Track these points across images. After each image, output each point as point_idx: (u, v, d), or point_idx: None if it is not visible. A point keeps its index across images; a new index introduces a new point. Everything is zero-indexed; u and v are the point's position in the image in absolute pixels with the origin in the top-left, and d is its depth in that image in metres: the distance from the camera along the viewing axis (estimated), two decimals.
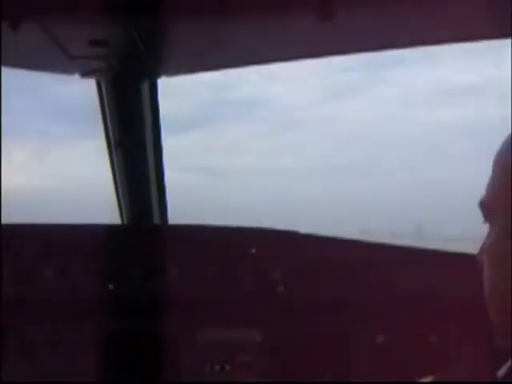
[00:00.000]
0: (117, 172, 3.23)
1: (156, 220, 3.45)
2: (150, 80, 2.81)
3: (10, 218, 3.20)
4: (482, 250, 1.24)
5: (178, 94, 2.96)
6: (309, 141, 4.03)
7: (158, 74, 2.78)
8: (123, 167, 3.16)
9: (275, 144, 3.99)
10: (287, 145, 4.00)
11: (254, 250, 3.06)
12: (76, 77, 2.78)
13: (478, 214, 1.22)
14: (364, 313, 3.15)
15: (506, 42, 2.54)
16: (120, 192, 3.35)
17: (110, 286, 3.07)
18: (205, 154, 3.82)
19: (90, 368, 3.27)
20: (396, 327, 3.26)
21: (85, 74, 2.74)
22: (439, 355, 3.23)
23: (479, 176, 1.22)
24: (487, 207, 1.22)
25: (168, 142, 3.16)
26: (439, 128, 3.94)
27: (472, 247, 1.38)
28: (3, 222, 3.15)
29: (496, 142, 1.17)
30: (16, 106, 3.71)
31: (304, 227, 3.04)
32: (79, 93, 3.03)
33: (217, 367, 3.28)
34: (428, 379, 1.45)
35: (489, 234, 1.23)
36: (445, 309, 3.01)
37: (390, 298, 3.07)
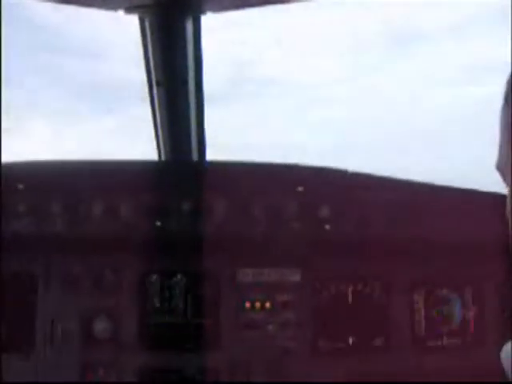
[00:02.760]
0: (156, 110, 3.17)
1: (194, 157, 3.40)
2: (194, 17, 2.71)
3: None
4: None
5: None
6: (331, 119, 3.93)
7: (202, 11, 2.68)
8: (164, 105, 3.09)
9: (295, 122, 3.90)
10: (307, 123, 3.90)
11: (301, 188, 3.00)
12: (119, 13, 2.69)
13: None
14: (408, 254, 3.10)
15: None
16: (159, 129, 3.29)
17: (153, 222, 3.05)
18: (221, 131, 3.74)
19: (131, 303, 3.28)
20: (438, 269, 3.22)
21: (129, 9, 2.64)
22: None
23: None
24: (501, 171, 1.21)
25: None
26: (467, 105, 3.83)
27: None
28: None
29: None
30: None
31: None
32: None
33: (257, 305, 3.28)
34: None
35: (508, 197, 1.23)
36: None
37: (439, 239, 3.02)
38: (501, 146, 1.23)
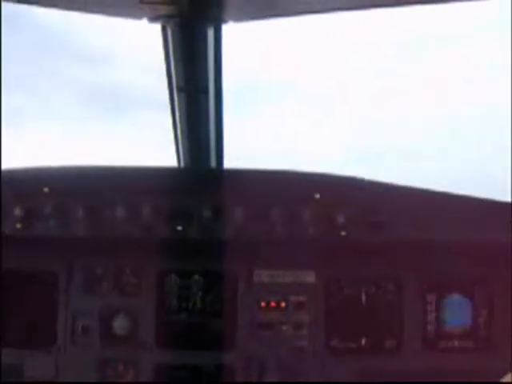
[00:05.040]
0: (177, 117, 3.17)
1: (212, 164, 3.40)
2: (216, 26, 2.70)
3: None
4: None
5: None
6: (347, 127, 3.94)
7: (223, 21, 2.67)
8: (184, 111, 3.08)
9: (312, 130, 3.92)
10: (323, 130, 3.92)
11: (318, 195, 2.99)
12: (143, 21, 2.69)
13: None
14: (420, 258, 3.09)
15: None
16: (179, 136, 3.29)
17: (174, 226, 3.05)
18: (239, 137, 3.73)
19: (150, 302, 3.28)
20: (449, 272, 3.21)
21: (153, 19, 2.63)
22: None
23: None
24: None
25: None
26: None
27: None
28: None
29: None
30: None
31: None
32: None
33: (272, 305, 3.27)
34: None
35: None
36: None
37: (451, 243, 3.01)
38: None
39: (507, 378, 1.22)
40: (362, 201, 2.99)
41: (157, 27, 2.77)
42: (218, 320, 3.27)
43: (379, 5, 2.74)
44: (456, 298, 3.26)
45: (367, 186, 3.04)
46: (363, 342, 3.23)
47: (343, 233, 2.98)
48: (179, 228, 3.04)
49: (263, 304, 3.26)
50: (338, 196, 3.00)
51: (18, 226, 3.05)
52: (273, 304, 3.25)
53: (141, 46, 3.29)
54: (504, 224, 2.96)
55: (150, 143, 3.83)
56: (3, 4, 2.55)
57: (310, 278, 3.22)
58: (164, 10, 2.53)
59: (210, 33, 2.72)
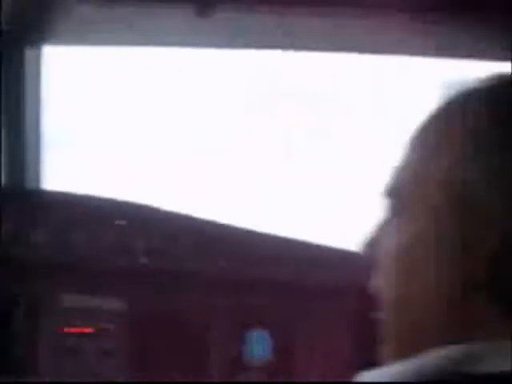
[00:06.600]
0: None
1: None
2: (35, 49, 2.72)
3: None
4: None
5: None
6: None
7: (44, 42, 2.69)
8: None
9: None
10: None
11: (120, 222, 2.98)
12: None
13: None
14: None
15: None
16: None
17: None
18: None
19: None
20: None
21: None
22: None
23: None
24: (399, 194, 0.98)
25: None
26: None
27: None
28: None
29: None
30: None
31: None
32: None
33: (77, 330, 3.21)
34: None
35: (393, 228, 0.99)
36: None
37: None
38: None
39: None
40: (159, 230, 3.05)
41: None
42: (20, 347, 3.18)
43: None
44: (257, 332, 3.36)
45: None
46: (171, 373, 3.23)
47: (143, 260, 3.00)
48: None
49: (68, 330, 3.21)
50: (138, 223, 3.05)
51: None
52: (77, 330, 3.21)
53: None
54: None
55: None
56: None
57: (117, 304, 3.22)
58: None
59: (30, 56, 2.74)
